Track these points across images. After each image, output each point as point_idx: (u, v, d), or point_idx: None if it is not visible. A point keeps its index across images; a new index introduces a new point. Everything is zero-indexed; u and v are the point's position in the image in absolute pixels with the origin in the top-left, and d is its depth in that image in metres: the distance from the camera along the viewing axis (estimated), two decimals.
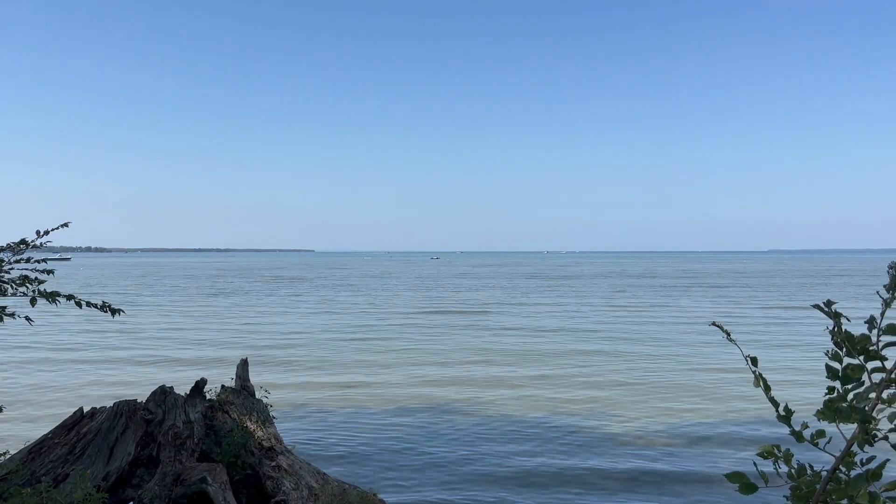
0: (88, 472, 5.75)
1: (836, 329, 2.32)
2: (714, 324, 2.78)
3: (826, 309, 2.31)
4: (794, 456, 2.47)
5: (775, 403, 2.52)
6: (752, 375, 2.46)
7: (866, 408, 2.27)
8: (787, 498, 2.43)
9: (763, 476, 2.49)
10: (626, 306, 41.21)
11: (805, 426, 2.48)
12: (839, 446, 2.32)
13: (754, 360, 2.61)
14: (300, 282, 73.25)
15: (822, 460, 2.45)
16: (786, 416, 2.52)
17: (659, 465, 10.51)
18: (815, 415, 2.38)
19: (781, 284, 66.42)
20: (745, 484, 2.45)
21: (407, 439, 11.62)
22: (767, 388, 2.55)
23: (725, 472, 2.53)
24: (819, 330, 27.84)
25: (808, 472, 2.44)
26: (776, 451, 2.51)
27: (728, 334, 2.62)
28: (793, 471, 2.48)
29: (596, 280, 77.00)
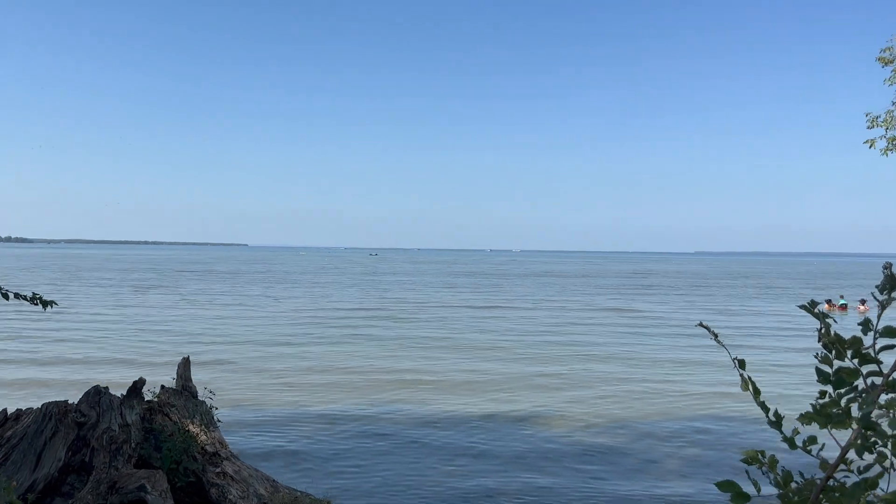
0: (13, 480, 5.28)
1: (823, 330, 2.23)
2: (701, 324, 2.68)
3: (812, 310, 2.23)
4: (773, 463, 2.39)
5: (765, 408, 2.43)
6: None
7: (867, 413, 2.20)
8: None
9: (755, 484, 2.41)
10: (551, 308, 41.88)
11: (796, 432, 2.39)
12: (823, 453, 2.25)
13: (742, 363, 2.53)
14: (235, 277, 71.44)
15: (799, 462, 2.38)
16: (777, 422, 2.43)
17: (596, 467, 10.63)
18: (798, 419, 2.30)
19: (718, 285, 69.02)
20: (738, 493, 2.35)
21: (364, 446, 11.25)
22: (757, 392, 2.46)
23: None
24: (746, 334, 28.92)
25: (799, 479, 2.36)
26: (760, 456, 2.42)
27: (716, 336, 2.52)
28: (779, 478, 2.40)
29: (527, 279, 78.15)
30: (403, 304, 41.38)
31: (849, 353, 2.27)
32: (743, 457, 2.54)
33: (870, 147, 8.81)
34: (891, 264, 2.13)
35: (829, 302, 42.49)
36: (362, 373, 18.03)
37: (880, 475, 2.27)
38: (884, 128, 8.76)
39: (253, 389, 15.86)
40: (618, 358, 21.32)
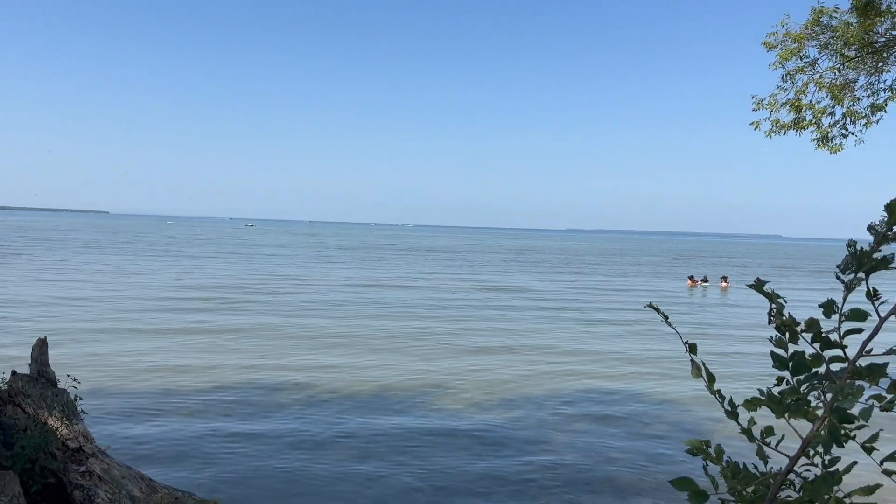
0: None
1: (775, 312, 2.03)
2: (650, 305, 2.47)
3: (761, 289, 2.05)
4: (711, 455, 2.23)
5: (721, 397, 2.27)
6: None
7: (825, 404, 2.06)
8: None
9: (713, 481, 2.24)
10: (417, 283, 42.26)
11: (752, 422, 2.23)
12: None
13: (693, 348, 2.35)
14: (94, 247, 66.21)
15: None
16: (733, 412, 2.27)
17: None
18: (744, 405, 2.15)
19: (596, 262, 72.48)
20: (695, 492, 2.16)
21: (250, 436, 10.39)
22: (712, 380, 2.28)
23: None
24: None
25: (750, 471, 2.22)
26: (705, 447, 2.26)
27: (666, 318, 2.33)
28: (726, 470, 2.24)
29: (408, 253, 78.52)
30: (276, 280, 39.74)
31: (807, 336, 2.11)
32: (687, 447, 2.35)
33: (755, 129, 9.24)
34: (855, 242, 1.94)
35: (691, 278, 45.42)
36: (238, 369, 15.95)
37: (847, 469, 2.12)
38: (768, 110, 9.19)
39: (115, 378, 14.21)
40: (505, 349, 19.98)
